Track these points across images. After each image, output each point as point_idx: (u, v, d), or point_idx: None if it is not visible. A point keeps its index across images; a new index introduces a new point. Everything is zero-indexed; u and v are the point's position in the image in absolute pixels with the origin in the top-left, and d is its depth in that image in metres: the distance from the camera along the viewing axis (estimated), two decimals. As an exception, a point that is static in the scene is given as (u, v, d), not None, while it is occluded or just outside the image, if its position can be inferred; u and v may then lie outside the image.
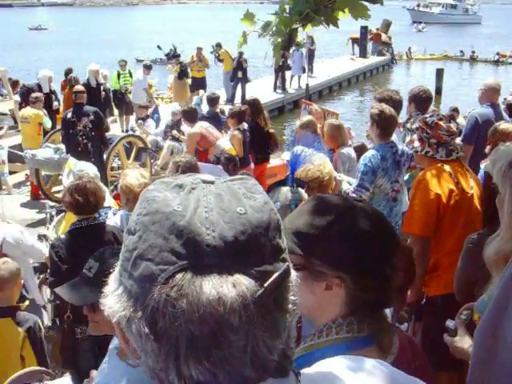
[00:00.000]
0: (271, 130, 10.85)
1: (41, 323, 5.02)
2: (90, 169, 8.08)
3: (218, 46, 22.59)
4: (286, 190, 3.56)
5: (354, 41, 37.83)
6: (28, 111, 12.81)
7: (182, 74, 20.36)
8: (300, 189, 3.57)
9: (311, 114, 9.94)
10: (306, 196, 3.61)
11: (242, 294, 0.90)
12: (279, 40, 3.77)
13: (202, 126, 10.01)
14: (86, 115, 11.18)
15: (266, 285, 0.93)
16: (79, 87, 12.49)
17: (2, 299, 4.82)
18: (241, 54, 21.29)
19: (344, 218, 1.77)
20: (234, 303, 0.90)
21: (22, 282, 5.46)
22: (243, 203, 0.98)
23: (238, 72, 22.00)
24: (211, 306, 0.89)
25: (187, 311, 0.89)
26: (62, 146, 11.33)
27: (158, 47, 28.28)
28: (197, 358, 0.90)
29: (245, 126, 10.09)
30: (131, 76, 18.72)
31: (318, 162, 4.54)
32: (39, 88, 14.60)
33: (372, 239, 1.75)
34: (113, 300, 0.99)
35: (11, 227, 6.08)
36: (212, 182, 1.02)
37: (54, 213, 9.43)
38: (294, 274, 1.03)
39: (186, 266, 0.92)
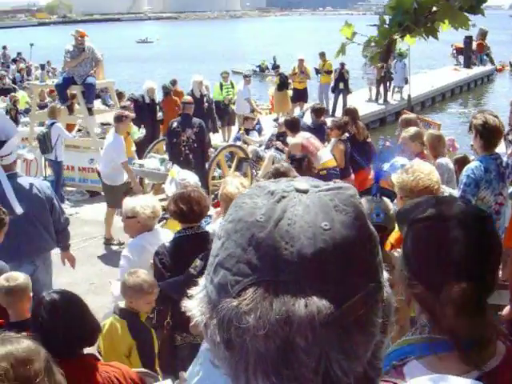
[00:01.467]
0: (368, 140, 11.03)
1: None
2: (191, 177, 8.27)
3: (322, 55, 22.29)
4: (367, 199, 3.51)
5: (459, 51, 37.00)
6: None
7: (282, 85, 20.47)
8: (384, 198, 3.51)
9: (406, 123, 9.62)
10: (390, 205, 3.56)
11: (310, 316, 0.86)
12: (377, 51, 3.75)
13: (304, 136, 10.01)
14: (191, 126, 11.39)
15: (343, 306, 0.88)
16: (187, 98, 12.79)
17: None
18: (342, 64, 21.27)
19: (421, 224, 1.82)
20: (300, 324, 0.86)
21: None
22: (331, 217, 0.92)
23: (340, 83, 21.95)
24: (278, 324, 0.86)
25: (253, 327, 0.87)
26: (166, 156, 11.62)
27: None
28: (265, 372, 0.88)
29: (346, 136, 10.18)
30: (233, 87, 19.01)
31: (427, 171, 4.50)
32: (143, 99, 15.05)
33: (451, 249, 1.75)
34: (195, 303, 0.99)
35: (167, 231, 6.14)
36: (305, 192, 0.96)
37: (156, 220, 9.68)
38: (388, 293, 0.99)
39: (259, 280, 0.89)
